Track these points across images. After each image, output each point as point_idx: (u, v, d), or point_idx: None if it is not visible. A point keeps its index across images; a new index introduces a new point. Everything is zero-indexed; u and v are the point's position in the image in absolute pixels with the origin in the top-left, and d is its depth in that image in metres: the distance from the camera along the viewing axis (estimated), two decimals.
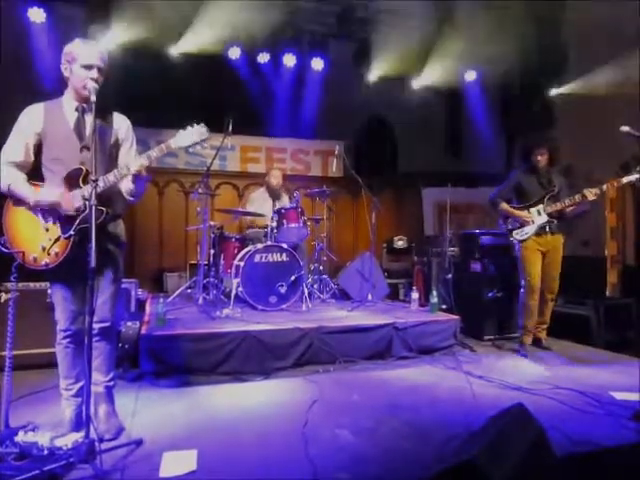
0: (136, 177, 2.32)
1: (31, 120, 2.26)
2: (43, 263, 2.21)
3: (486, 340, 4.47)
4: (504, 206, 4.07)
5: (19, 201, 2.23)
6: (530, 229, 3.94)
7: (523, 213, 3.97)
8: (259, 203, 5.22)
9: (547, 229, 3.93)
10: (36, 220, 2.23)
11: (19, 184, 2.22)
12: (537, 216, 3.94)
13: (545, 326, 4.12)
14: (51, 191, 2.22)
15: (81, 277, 2.07)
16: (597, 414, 2.67)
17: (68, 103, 2.32)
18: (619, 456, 2.18)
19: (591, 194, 3.70)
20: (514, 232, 4.00)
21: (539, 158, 3.95)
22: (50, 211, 2.23)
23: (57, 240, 2.22)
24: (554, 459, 1.85)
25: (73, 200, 2.21)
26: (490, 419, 1.99)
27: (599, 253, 5.87)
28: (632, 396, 2.86)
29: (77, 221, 2.20)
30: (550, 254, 3.97)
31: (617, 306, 4.73)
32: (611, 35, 5.28)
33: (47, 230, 2.23)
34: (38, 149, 2.28)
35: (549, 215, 3.91)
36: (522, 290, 4.02)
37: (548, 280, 3.98)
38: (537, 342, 4.11)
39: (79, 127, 2.29)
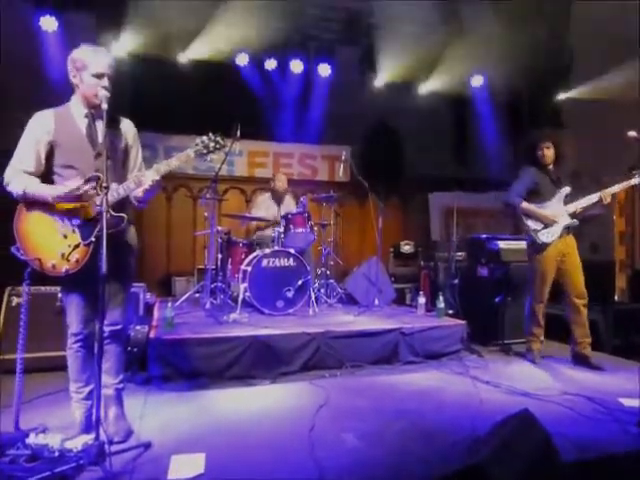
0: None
1: (42, 128, 2.25)
2: (64, 270, 2.20)
3: (493, 345, 4.45)
4: (525, 205, 3.74)
5: (34, 205, 2.22)
6: (557, 229, 3.68)
7: (548, 212, 3.69)
8: (264, 207, 5.28)
9: (568, 231, 3.72)
10: (53, 227, 2.22)
11: (34, 185, 2.21)
12: (560, 216, 3.70)
13: (589, 340, 3.77)
14: (67, 185, 2.19)
15: (93, 282, 2.08)
16: (604, 420, 2.65)
17: (77, 109, 2.32)
18: (626, 463, 2.17)
19: (608, 196, 3.56)
20: (539, 233, 3.70)
21: (545, 152, 3.73)
22: (68, 213, 2.21)
23: (77, 247, 2.22)
24: (560, 465, 1.85)
25: (90, 207, 2.22)
26: (496, 424, 1.99)
27: (608, 258, 5.85)
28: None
29: (97, 227, 2.20)
30: (568, 258, 3.73)
31: (626, 311, 4.71)
32: (617, 39, 5.27)
33: (65, 237, 2.22)
34: (49, 157, 2.27)
35: (570, 215, 3.69)
36: (530, 296, 3.87)
37: (573, 285, 3.72)
38: (584, 359, 3.73)
39: (91, 134, 2.30)
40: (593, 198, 3.63)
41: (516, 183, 3.86)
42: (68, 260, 2.21)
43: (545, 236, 3.69)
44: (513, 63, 5.98)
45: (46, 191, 2.20)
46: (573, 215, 3.72)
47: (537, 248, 3.74)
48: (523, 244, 4.78)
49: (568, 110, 6.49)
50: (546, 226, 3.70)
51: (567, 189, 3.73)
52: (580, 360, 3.75)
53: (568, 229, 3.73)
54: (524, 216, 3.78)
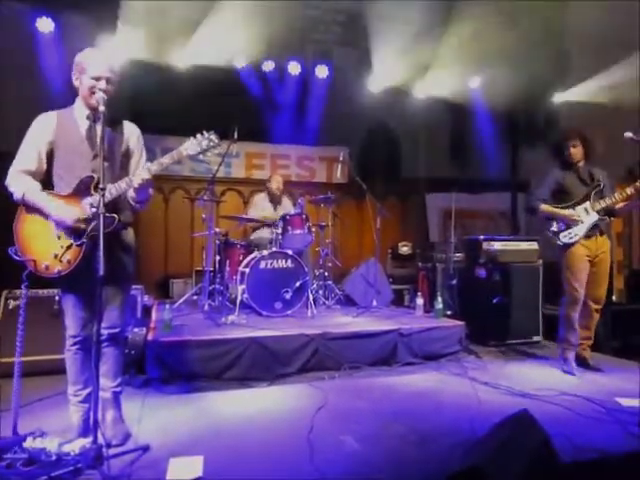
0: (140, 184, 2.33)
1: (43, 128, 2.28)
2: (56, 271, 2.22)
3: (491, 346, 4.45)
4: (545, 207, 3.62)
5: (32, 208, 2.24)
6: (579, 230, 3.52)
7: (570, 211, 3.55)
8: (261, 207, 5.30)
9: (597, 230, 3.55)
10: (48, 228, 2.24)
11: (34, 193, 2.23)
12: (585, 215, 3.54)
13: (590, 342, 3.75)
14: (65, 207, 2.22)
15: (92, 284, 2.08)
16: (603, 421, 2.66)
17: (79, 112, 2.35)
18: (624, 463, 2.17)
19: None
20: (561, 235, 3.57)
21: (572, 151, 3.59)
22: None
23: (69, 248, 2.23)
24: (559, 465, 1.85)
25: (83, 208, 2.23)
26: (495, 425, 1.99)
27: None
28: (638, 402, 2.84)
29: (89, 228, 2.22)
30: (599, 260, 3.58)
31: (623, 312, 4.71)
32: (612, 40, 5.30)
33: (59, 238, 2.24)
34: (50, 157, 2.30)
35: (598, 213, 3.52)
36: (564, 300, 3.64)
37: (595, 289, 3.59)
38: (583, 361, 3.71)
39: (91, 135, 2.31)
40: (628, 191, 3.38)
41: (538, 186, 3.78)
42: (61, 261, 2.22)
43: (567, 237, 3.56)
44: (509, 65, 5.99)
45: (44, 205, 2.21)
46: (610, 210, 3.54)
47: (562, 247, 3.60)
48: (521, 245, 4.82)
49: (564, 112, 6.51)
50: (569, 227, 3.56)
51: (600, 185, 3.55)
52: (579, 361, 3.71)
53: (597, 228, 3.55)
54: (546, 219, 3.68)
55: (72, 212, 2.21)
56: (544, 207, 3.63)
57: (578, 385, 3.29)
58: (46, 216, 2.23)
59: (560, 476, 1.85)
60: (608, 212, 3.56)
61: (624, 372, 3.63)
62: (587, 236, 3.54)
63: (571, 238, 3.54)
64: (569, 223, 3.55)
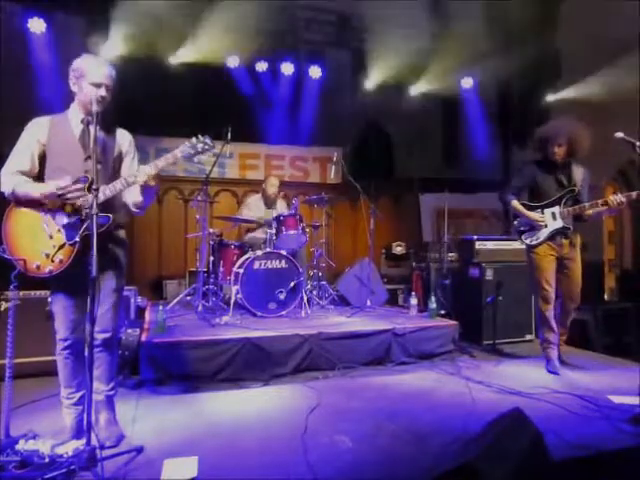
0: (145, 188, 2.33)
1: (37, 131, 2.29)
2: (47, 271, 2.21)
3: (485, 345, 4.47)
4: (515, 204, 3.62)
5: (22, 204, 2.23)
6: (542, 234, 3.51)
7: (535, 215, 3.52)
8: (255, 208, 5.29)
9: (561, 236, 3.50)
10: (40, 227, 2.23)
11: (23, 184, 2.22)
12: (552, 220, 3.50)
13: (564, 338, 3.75)
14: (54, 182, 2.20)
15: (82, 286, 2.08)
16: (595, 418, 2.68)
17: (74, 116, 2.36)
18: (616, 460, 2.19)
19: (614, 202, 3.21)
20: (524, 236, 3.60)
21: (556, 150, 3.47)
22: (56, 211, 2.23)
23: (62, 247, 2.22)
24: (552, 463, 1.86)
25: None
26: (488, 424, 2.00)
27: (597, 257, 5.90)
28: (630, 400, 2.87)
29: (82, 227, 2.21)
30: (567, 261, 3.55)
31: (615, 310, 4.76)
32: (604, 40, 5.34)
33: (51, 237, 2.23)
34: (42, 159, 2.30)
35: (566, 219, 3.47)
36: (537, 300, 3.64)
37: (570, 288, 3.57)
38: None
39: (84, 138, 2.32)
40: (599, 203, 3.32)
41: (515, 178, 3.73)
42: (52, 261, 2.21)
43: (529, 240, 3.57)
44: (502, 65, 6.03)
45: (35, 188, 2.21)
46: (578, 217, 3.50)
47: (527, 248, 3.62)
48: (513, 244, 4.84)
49: (557, 111, 6.56)
50: (532, 229, 3.57)
51: (575, 190, 3.48)
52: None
53: (562, 234, 3.51)
54: (513, 215, 3.70)
55: (57, 183, 2.18)
56: (514, 204, 3.62)
57: (570, 383, 3.31)
58: (38, 208, 2.22)
59: (552, 473, 1.86)
60: (577, 217, 3.52)
61: (616, 370, 3.66)
62: (550, 239, 3.51)
63: (533, 241, 3.55)
64: (534, 225, 3.54)
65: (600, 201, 3.32)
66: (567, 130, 3.48)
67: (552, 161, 3.54)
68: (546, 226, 3.51)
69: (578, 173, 3.55)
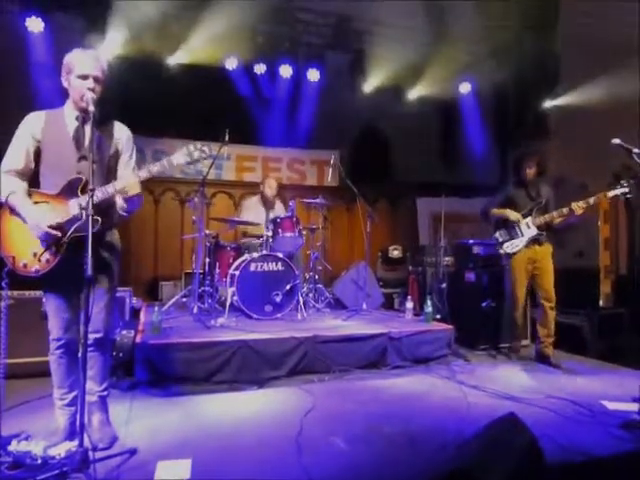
0: (127, 198, 2.31)
1: (31, 127, 2.26)
2: (33, 269, 2.20)
3: (480, 350, 4.47)
4: (494, 210, 4.10)
5: (14, 210, 2.22)
6: (520, 242, 3.96)
7: (513, 213, 3.96)
8: (253, 211, 5.25)
9: (536, 242, 3.94)
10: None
11: (16, 197, 2.20)
12: (526, 229, 3.95)
13: (551, 340, 3.96)
14: (43, 212, 2.19)
15: (75, 286, 2.06)
16: (589, 423, 2.68)
17: (69, 112, 2.33)
18: (610, 465, 2.19)
19: (579, 208, 3.67)
20: (504, 245, 4.03)
21: (527, 171, 3.99)
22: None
23: (49, 247, 2.20)
24: (545, 468, 1.86)
25: (69, 209, 2.22)
26: (483, 428, 2.00)
27: (593, 263, 5.91)
28: (624, 405, 2.88)
29: (70, 229, 2.20)
30: (540, 263, 3.95)
31: (610, 316, 4.77)
32: (603, 46, 5.37)
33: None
34: (37, 156, 2.28)
35: (538, 227, 3.91)
36: (508, 303, 4.08)
37: (543, 288, 3.95)
38: (545, 359, 3.93)
39: (78, 136, 2.30)
40: (564, 210, 3.78)
41: (493, 197, 4.27)
42: (39, 260, 2.20)
43: (509, 248, 4.01)
44: (500, 69, 6.06)
45: (21, 210, 2.18)
46: (548, 225, 3.92)
47: (506, 256, 4.05)
48: None
49: (554, 117, 6.59)
50: (511, 238, 4.01)
51: (542, 202, 3.97)
52: (541, 358, 3.97)
53: (536, 241, 3.95)
54: (494, 227, 4.13)
55: (50, 217, 2.17)
56: (494, 210, 4.11)
57: (565, 388, 3.32)
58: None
59: (547, 478, 1.86)
60: (547, 226, 3.95)
61: (610, 375, 3.68)
62: (526, 246, 3.97)
63: (512, 249, 4.00)
64: (511, 233, 4.00)
65: (565, 209, 3.78)
66: (537, 155, 4.06)
67: (524, 179, 4.04)
68: (522, 235, 3.98)
69: (545, 190, 4.05)
